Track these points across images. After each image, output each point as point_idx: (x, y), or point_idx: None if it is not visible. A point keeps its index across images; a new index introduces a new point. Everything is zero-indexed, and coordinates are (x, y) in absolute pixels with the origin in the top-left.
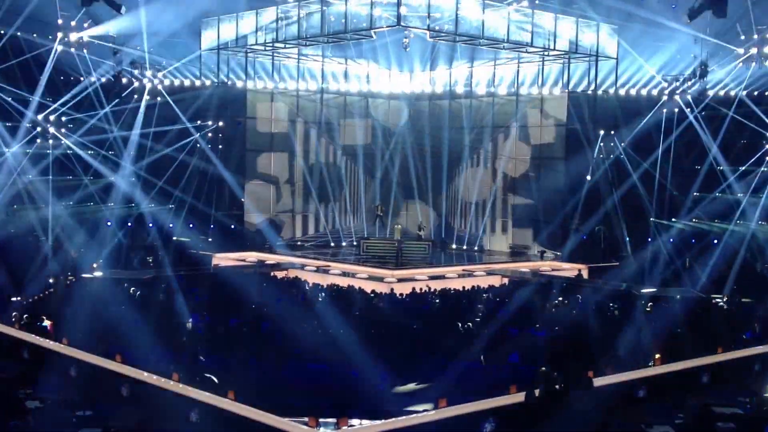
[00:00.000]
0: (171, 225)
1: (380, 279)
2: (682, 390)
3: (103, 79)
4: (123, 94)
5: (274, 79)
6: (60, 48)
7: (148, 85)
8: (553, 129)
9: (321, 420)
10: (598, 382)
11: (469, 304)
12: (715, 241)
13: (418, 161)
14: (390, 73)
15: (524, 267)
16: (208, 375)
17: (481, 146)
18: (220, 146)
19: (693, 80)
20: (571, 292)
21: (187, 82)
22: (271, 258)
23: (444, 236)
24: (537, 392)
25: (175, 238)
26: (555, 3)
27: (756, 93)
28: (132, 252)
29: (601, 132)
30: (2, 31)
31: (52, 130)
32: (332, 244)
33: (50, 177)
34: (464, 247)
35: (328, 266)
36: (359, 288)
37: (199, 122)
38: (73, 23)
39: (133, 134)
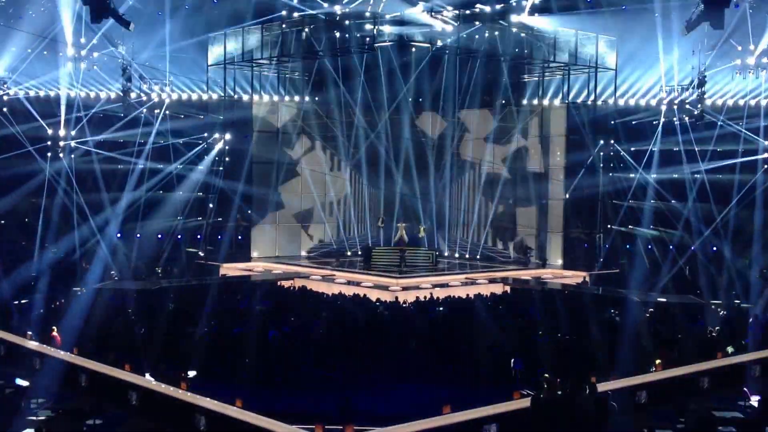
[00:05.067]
0: (180, 236)
1: (385, 287)
2: (683, 395)
3: (113, 95)
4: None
5: (280, 92)
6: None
7: (156, 100)
8: (553, 139)
9: (327, 427)
10: (601, 387)
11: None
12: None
13: (422, 171)
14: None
15: (526, 275)
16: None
17: (483, 156)
18: (227, 158)
19: (691, 90)
20: (573, 298)
21: (194, 97)
22: (277, 267)
23: (446, 244)
24: (541, 398)
25: (189, 249)
26: (555, 15)
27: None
28: (142, 263)
29: (601, 142)
30: None
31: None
32: (337, 253)
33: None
34: (467, 256)
35: (334, 275)
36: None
37: (206, 135)
38: (82, 40)
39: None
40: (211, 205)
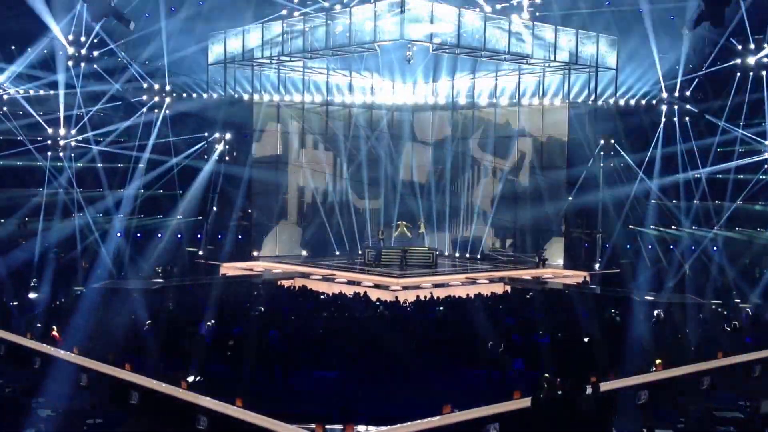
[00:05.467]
0: (180, 235)
1: (386, 287)
2: (683, 394)
3: (112, 93)
4: (131, 108)
5: (280, 92)
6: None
7: (156, 99)
8: (554, 139)
9: (327, 427)
10: (601, 387)
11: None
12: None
13: (422, 171)
14: (393, 85)
15: (527, 274)
16: None
17: (483, 156)
18: (227, 158)
19: (691, 90)
20: (574, 298)
21: (194, 96)
22: (277, 267)
23: (446, 244)
24: (541, 398)
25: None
26: (555, 14)
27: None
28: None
29: (602, 141)
30: None
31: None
32: (337, 253)
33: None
34: (467, 255)
35: (334, 275)
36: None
37: (206, 134)
38: (83, 39)
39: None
40: (215, 209)
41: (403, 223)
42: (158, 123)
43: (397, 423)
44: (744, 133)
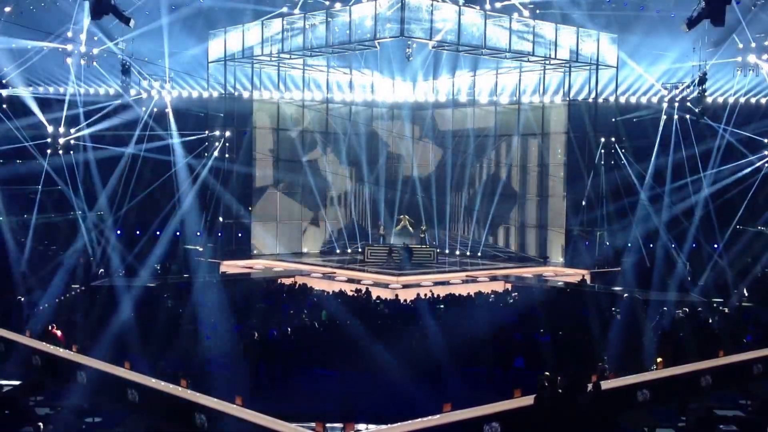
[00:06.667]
0: (178, 233)
1: (385, 285)
2: (684, 393)
3: (112, 91)
4: (131, 106)
5: (280, 89)
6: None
7: (156, 97)
8: (554, 136)
9: (328, 425)
10: (602, 385)
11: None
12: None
13: (422, 169)
14: (393, 83)
15: (527, 273)
16: None
17: (484, 154)
18: (227, 155)
19: (692, 88)
20: (575, 297)
21: (194, 93)
22: (278, 265)
23: (446, 243)
24: (543, 396)
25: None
26: (555, 12)
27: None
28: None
29: (602, 139)
30: None
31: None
32: (338, 251)
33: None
34: (468, 253)
35: (334, 273)
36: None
37: (207, 132)
38: (82, 36)
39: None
40: (222, 218)
41: (406, 217)
42: (171, 124)
43: (397, 421)
44: (738, 131)
